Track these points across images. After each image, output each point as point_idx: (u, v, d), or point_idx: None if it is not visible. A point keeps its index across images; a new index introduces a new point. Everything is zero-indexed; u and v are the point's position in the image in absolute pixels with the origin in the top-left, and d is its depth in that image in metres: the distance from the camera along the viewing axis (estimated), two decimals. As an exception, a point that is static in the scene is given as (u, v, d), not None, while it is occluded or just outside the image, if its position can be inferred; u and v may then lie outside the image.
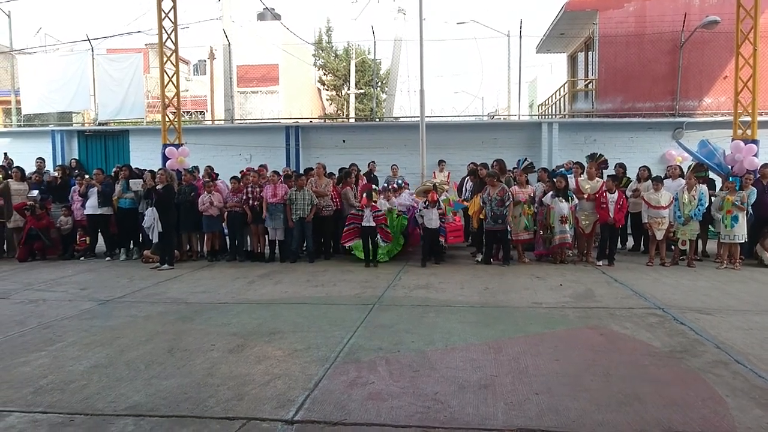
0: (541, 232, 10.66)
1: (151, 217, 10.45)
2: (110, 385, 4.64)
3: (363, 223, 10.23)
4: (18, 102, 19.57)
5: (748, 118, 11.69)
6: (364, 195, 10.50)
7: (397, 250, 10.92)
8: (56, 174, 12.59)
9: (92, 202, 11.42)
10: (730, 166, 11.21)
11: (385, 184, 12.76)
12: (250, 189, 11.04)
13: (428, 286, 8.40)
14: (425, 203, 10.39)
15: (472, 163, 12.46)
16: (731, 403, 4.12)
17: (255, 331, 6.14)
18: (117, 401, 4.30)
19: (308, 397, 4.31)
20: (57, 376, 4.91)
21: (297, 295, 7.96)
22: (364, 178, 13.04)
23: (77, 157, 17.45)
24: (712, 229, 10.64)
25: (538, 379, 4.63)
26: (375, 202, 10.55)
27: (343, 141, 17.04)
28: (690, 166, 10.84)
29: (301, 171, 14.13)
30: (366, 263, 10.25)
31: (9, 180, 11.77)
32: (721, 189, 10.44)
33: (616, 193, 10.12)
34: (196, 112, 30.81)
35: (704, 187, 10.15)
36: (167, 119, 13.65)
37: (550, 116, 21.57)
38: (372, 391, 4.43)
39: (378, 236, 10.30)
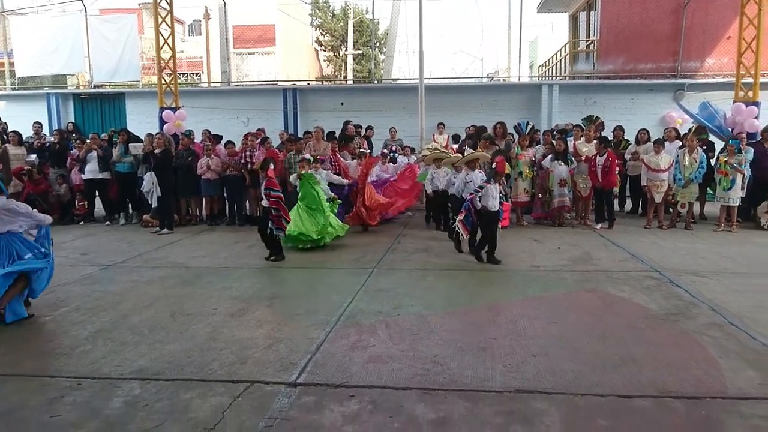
0: (540, 196, 10.67)
1: (149, 181, 10.43)
2: (115, 349, 4.72)
3: (263, 203, 8.04)
4: (11, 64, 19.29)
5: (751, 80, 11.58)
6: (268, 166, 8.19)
7: (332, 235, 8.68)
8: (53, 138, 12.50)
9: (92, 166, 11.37)
10: (730, 129, 11.16)
11: (384, 149, 12.71)
12: (248, 153, 10.98)
13: (427, 250, 8.46)
14: (487, 177, 7.93)
15: (471, 126, 12.38)
16: (724, 364, 4.21)
17: (256, 296, 6.21)
18: (122, 365, 4.38)
19: (310, 360, 4.40)
20: (62, 340, 4.99)
21: (297, 260, 8.01)
22: (366, 142, 12.94)
23: (73, 121, 17.28)
24: (711, 192, 10.66)
25: (536, 342, 4.72)
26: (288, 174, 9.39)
27: (342, 104, 16.87)
28: (691, 129, 10.80)
29: (300, 134, 14.07)
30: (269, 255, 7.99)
31: (6, 145, 11.69)
32: (721, 151, 10.41)
33: (604, 156, 10.02)
34: (192, 73, 30.41)
35: (702, 152, 10.12)
36: (163, 82, 13.48)
37: (550, 78, 21.33)
38: (373, 354, 4.51)
39: (271, 223, 7.81)
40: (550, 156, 10.32)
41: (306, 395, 3.82)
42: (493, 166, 8.64)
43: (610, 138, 11.21)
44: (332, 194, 9.17)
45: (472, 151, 9.59)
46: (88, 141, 11.72)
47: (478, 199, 7.52)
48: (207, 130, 12.41)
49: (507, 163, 8.45)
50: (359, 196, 10.05)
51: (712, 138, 11.33)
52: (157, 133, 11.22)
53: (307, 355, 4.49)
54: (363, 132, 13.28)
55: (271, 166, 8.19)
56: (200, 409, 3.65)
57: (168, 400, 3.78)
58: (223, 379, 4.09)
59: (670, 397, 3.72)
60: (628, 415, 3.51)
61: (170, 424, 3.48)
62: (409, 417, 3.52)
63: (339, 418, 3.52)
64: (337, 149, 11.12)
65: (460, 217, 7.57)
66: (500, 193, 7.78)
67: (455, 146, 12.39)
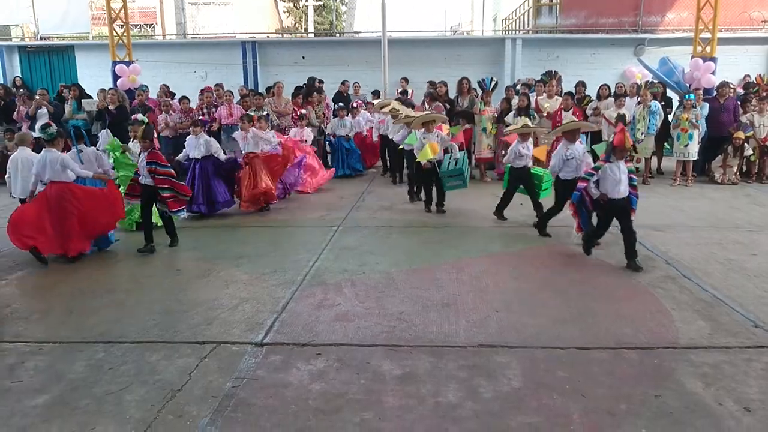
0: (503, 152, 10.72)
1: (105, 139, 10.07)
2: (76, 313, 4.64)
3: (141, 180, 6.50)
4: (-51, 14, 18.12)
5: (709, 35, 11.73)
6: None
7: None
8: None
9: (43, 123, 10.88)
10: (688, 84, 11.35)
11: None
12: (205, 110, 10.69)
13: (392, 208, 8.47)
14: (606, 155, 5.71)
15: (429, 82, 12.16)
16: (676, 315, 4.40)
17: (221, 256, 6.15)
18: (84, 329, 4.32)
19: (276, 319, 4.41)
20: (18, 305, 4.87)
21: (261, 219, 7.94)
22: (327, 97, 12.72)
23: (20, 75, 16.45)
24: (668, 147, 10.89)
25: (498, 297, 4.83)
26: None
27: (303, 58, 16.47)
28: (645, 83, 10.92)
29: (259, 89, 13.75)
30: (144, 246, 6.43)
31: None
32: (678, 107, 10.61)
33: (570, 111, 10.12)
34: (146, 25, 29.12)
35: (656, 103, 10.27)
36: (115, 34, 12.89)
37: (513, 32, 21.20)
38: (339, 312, 4.55)
39: (161, 204, 6.53)
40: (513, 112, 10.33)
41: (273, 354, 3.85)
42: (609, 139, 6.56)
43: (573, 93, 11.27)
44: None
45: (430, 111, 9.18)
46: (37, 97, 11.20)
47: (593, 185, 5.62)
48: (165, 85, 12.00)
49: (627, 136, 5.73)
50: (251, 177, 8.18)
51: (669, 93, 11.52)
52: (110, 89, 10.79)
53: (273, 314, 4.51)
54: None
55: (154, 135, 6.90)
56: (167, 371, 3.65)
57: (133, 363, 3.77)
58: (189, 340, 4.08)
59: (626, 348, 3.89)
60: (586, 366, 3.66)
61: (137, 386, 3.47)
62: (376, 373, 3.59)
63: (306, 376, 3.56)
64: (300, 104, 10.95)
65: (570, 210, 6.06)
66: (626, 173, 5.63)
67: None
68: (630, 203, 5.65)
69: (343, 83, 13.00)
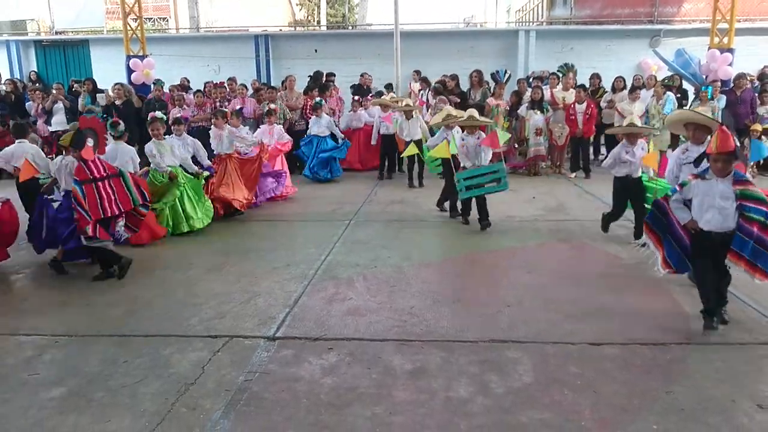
0: (516, 145, 10.69)
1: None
2: (91, 307, 4.70)
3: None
4: (-34, 9, 18.35)
5: (726, 26, 11.57)
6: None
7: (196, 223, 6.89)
8: (6, 88, 12.00)
9: (59, 118, 11.03)
10: (704, 76, 11.21)
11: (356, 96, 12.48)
12: (218, 103, 10.73)
13: (403, 201, 8.47)
14: (700, 170, 4.07)
15: (438, 81, 11.67)
16: (690, 312, 4.36)
17: (233, 250, 6.20)
18: (99, 323, 4.38)
19: (288, 314, 4.44)
20: (34, 299, 4.95)
21: (273, 212, 7.98)
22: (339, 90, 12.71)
23: (36, 70, 16.62)
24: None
25: (510, 292, 4.82)
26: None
27: (315, 51, 16.48)
28: (662, 79, 10.81)
29: (272, 83, 13.76)
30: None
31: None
32: (694, 99, 10.48)
33: (585, 104, 10.05)
34: (159, 18, 29.26)
35: (671, 94, 10.15)
36: (129, 28, 12.97)
37: (527, 24, 21.04)
38: (350, 306, 4.57)
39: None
40: (526, 105, 10.28)
41: (285, 348, 3.88)
42: (704, 148, 4.09)
43: (587, 86, 11.18)
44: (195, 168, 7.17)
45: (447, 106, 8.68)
46: (53, 92, 11.32)
47: (680, 203, 4.08)
48: (185, 78, 12.09)
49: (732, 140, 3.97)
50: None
51: (685, 85, 11.39)
52: (115, 84, 10.91)
53: (285, 308, 4.53)
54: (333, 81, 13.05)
55: (89, 143, 5.24)
56: (180, 364, 3.68)
57: (148, 356, 3.81)
58: (202, 334, 4.12)
59: (638, 344, 3.86)
60: (597, 361, 3.64)
61: (151, 379, 3.51)
62: (387, 368, 3.60)
63: (318, 370, 3.59)
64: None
65: (648, 236, 4.37)
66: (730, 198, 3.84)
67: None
68: (735, 242, 3.80)
69: (362, 75, 12.96)
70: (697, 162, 4.11)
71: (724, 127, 3.85)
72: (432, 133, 8.62)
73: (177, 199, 6.75)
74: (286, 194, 8.76)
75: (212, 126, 7.90)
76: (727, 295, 4.17)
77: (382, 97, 10.73)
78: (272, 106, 9.81)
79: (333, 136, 10.27)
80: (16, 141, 6.58)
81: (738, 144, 3.75)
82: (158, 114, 7.02)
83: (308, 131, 10.32)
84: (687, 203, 4.04)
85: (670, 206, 4.13)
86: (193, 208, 6.87)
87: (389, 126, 9.97)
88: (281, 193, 8.66)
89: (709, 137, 4.34)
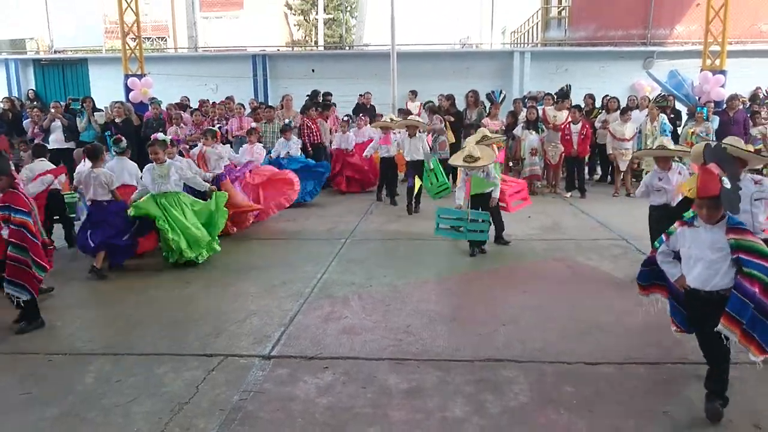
0: (511, 164, 10.75)
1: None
2: (85, 325, 4.68)
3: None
4: (-35, 28, 18.47)
5: (718, 48, 11.73)
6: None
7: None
8: (2, 105, 12.04)
9: (57, 136, 11.05)
10: (697, 97, 11.34)
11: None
12: (216, 122, 10.79)
13: (399, 220, 8.49)
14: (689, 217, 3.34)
15: (432, 102, 11.67)
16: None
17: (229, 268, 6.18)
18: (93, 341, 4.36)
19: (284, 332, 4.43)
20: (31, 316, 4.92)
21: (269, 230, 7.98)
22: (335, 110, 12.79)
23: (34, 88, 16.70)
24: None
25: (506, 311, 4.82)
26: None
27: (312, 70, 16.63)
28: (655, 98, 10.93)
29: (269, 102, 13.87)
30: None
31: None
32: (688, 120, 10.58)
33: (580, 124, 10.13)
34: (158, 38, 29.50)
35: (664, 116, 10.25)
36: (128, 47, 13.07)
37: (522, 45, 21.29)
38: (346, 325, 4.56)
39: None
40: (522, 125, 10.36)
41: (280, 367, 3.86)
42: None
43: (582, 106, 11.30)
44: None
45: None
46: (51, 111, 11.37)
47: (668, 256, 3.45)
48: (185, 97, 12.16)
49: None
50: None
51: (678, 106, 11.51)
52: (115, 103, 10.96)
53: (280, 327, 4.52)
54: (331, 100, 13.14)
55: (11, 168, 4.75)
56: (174, 383, 3.66)
57: (141, 375, 3.78)
58: (197, 353, 4.10)
59: (634, 363, 3.86)
60: (593, 381, 3.64)
61: (144, 398, 3.49)
62: (382, 387, 3.58)
63: (313, 389, 3.57)
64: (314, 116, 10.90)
65: (641, 293, 3.78)
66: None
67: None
68: (731, 303, 3.04)
69: (362, 95, 13.05)
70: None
71: (709, 166, 3.09)
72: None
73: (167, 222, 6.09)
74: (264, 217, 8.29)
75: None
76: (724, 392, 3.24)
77: (383, 119, 10.32)
78: (253, 125, 9.73)
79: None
80: (36, 160, 6.96)
81: (727, 186, 2.97)
82: (160, 136, 6.64)
83: (273, 153, 9.76)
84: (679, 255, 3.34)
85: (659, 260, 3.46)
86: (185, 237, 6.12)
87: (389, 148, 9.54)
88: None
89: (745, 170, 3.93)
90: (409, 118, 9.84)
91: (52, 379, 3.76)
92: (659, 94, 11.48)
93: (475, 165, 6.32)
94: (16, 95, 15.53)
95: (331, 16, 32.88)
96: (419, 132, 9.03)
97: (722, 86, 11.31)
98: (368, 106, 12.68)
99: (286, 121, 10.27)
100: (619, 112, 10.55)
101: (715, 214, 3.12)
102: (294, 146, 9.88)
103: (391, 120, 9.90)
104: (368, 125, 11.08)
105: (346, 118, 11.33)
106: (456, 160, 6.65)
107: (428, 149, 9.15)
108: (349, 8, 32.40)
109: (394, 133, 9.76)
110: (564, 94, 11.21)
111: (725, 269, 3.10)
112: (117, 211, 6.10)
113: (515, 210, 7.41)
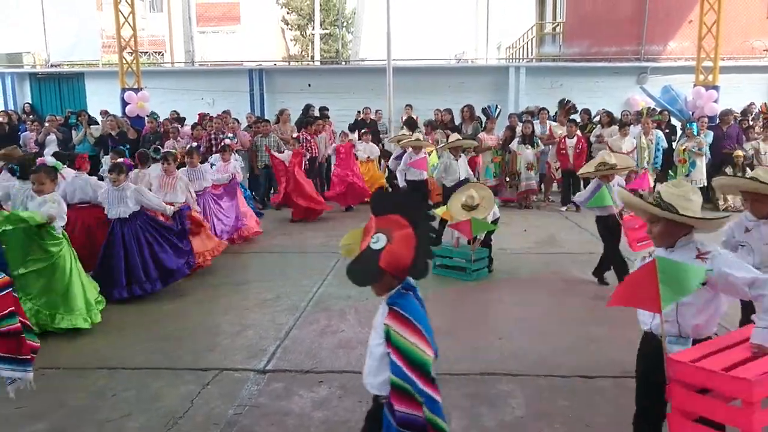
0: (507, 179, 10.79)
1: (108, 163, 10.22)
2: (79, 338, 4.65)
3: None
4: (-38, 42, 18.50)
5: (711, 64, 11.86)
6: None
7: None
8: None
9: (52, 149, 11.02)
10: (691, 112, 11.44)
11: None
12: (213, 136, 10.80)
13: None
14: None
15: (436, 110, 11.99)
16: (681, 344, 4.36)
17: (224, 281, 6.17)
18: (88, 355, 4.33)
19: (279, 346, 4.41)
20: (24, 330, 4.88)
21: (265, 244, 7.97)
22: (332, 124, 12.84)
23: (30, 102, 16.69)
24: (672, 175, 10.93)
25: (502, 324, 4.82)
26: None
27: (309, 85, 16.70)
28: (646, 110, 11.02)
29: (266, 117, 13.91)
30: None
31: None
32: (681, 135, 10.65)
33: (575, 138, 10.21)
34: (155, 52, 29.64)
35: (659, 133, 10.33)
36: (124, 61, 13.12)
37: (517, 60, 21.46)
38: (342, 339, 4.55)
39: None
40: (517, 139, 10.43)
41: (275, 381, 3.85)
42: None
43: (577, 121, 11.39)
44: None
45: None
46: (46, 124, 11.38)
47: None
48: (175, 111, 12.18)
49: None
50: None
51: (673, 121, 11.61)
52: (109, 116, 11.00)
53: (276, 341, 4.50)
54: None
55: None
56: (168, 398, 3.64)
57: (135, 390, 3.76)
58: (191, 367, 4.07)
59: (629, 376, 3.84)
60: (589, 394, 3.64)
61: (138, 413, 3.46)
62: (378, 401, 3.56)
63: (308, 403, 3.55)
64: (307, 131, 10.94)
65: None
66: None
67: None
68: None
69: (360, 111, 13.06)
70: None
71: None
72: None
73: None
74: (247, 235, 7.96)
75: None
76: None
77: (413, 137, 9.09)
78: (227, 141, 8.77)
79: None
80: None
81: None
82: (49, 160, 5.50)
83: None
84: None
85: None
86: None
87: (423, 172, 8.12)
88: (241, 234, 7.85)
89: None
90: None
91: (45, 394, 3.72)
92: (651, 108, 11.56)
93: (475, 215, 6.02)
94: (12, 108, 15.51)
95: (327, 32, 33.16)
96: (461, 153, 7.96)
97: (715, 101, 11.42)
98: (368, 121, 12.73)
99: (228, 136, 9.36)
100: (616, 126, 10.63)
101: (667, 239, 2.75)
102: (229, 169, 8.15)
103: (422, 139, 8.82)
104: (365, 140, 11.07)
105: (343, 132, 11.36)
106: (454, 206, 6.21)
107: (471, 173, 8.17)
108: (345, 23, 32.70)
109: (441, 149, 8.67)
110: (569, 107, 11.28)
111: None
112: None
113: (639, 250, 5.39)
